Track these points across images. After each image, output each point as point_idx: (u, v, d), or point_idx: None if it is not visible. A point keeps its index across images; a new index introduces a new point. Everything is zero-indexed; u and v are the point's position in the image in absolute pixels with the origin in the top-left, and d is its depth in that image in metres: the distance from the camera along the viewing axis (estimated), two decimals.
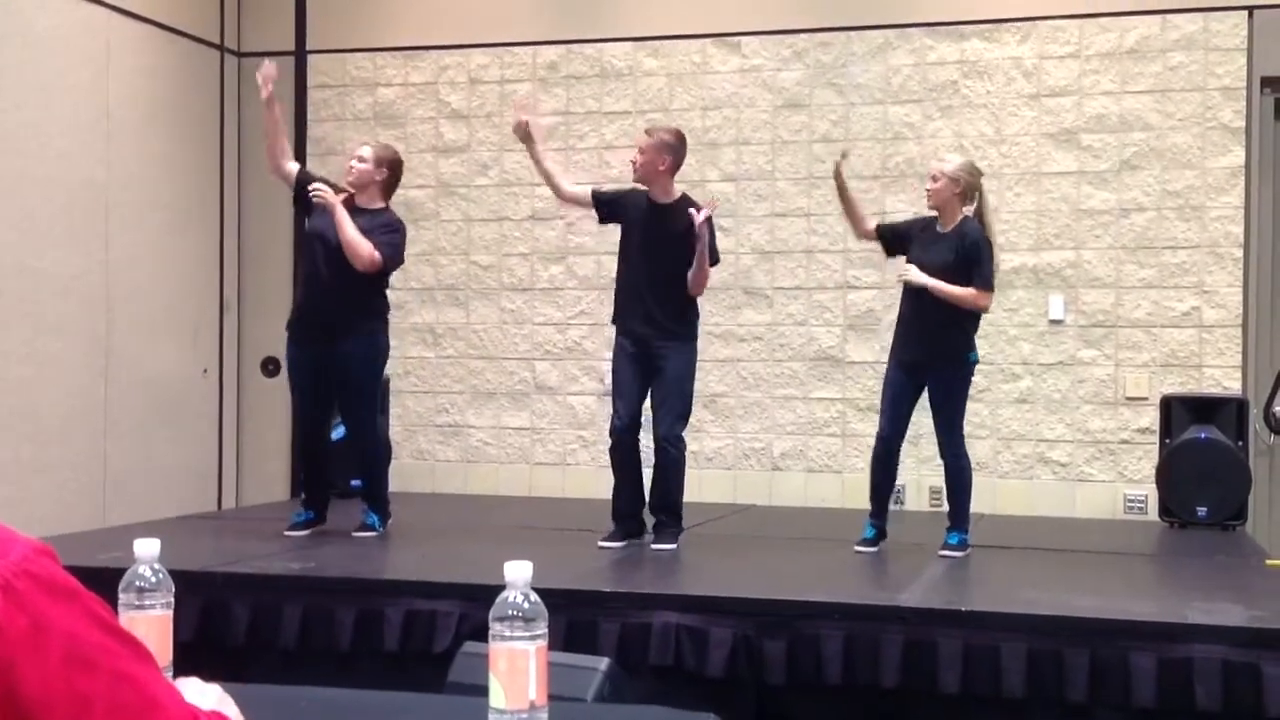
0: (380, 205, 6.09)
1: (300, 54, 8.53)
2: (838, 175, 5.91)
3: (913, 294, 5.70)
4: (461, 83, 8.37)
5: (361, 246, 5.83)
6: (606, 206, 5.98)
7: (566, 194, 6.08)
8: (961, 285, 5.61)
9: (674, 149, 5.83)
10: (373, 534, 6.05)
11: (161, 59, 7.95)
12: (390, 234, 6.02)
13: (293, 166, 6.19)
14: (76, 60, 7.25)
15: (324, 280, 5.93)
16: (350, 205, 5.97)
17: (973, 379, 5.92)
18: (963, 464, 5.75)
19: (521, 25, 8.26)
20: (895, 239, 5.93)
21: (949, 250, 5.65)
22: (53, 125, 7.07)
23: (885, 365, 5.92)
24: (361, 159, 6.04)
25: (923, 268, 5.65)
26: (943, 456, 5.75)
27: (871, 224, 6.01)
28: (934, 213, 5.79)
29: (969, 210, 5.73)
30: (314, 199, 5.86)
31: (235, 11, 8.55)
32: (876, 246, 7.08)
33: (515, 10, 8.31)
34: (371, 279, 5.95)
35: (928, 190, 5.76)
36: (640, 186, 5.89)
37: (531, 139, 5.95)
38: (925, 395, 5.76)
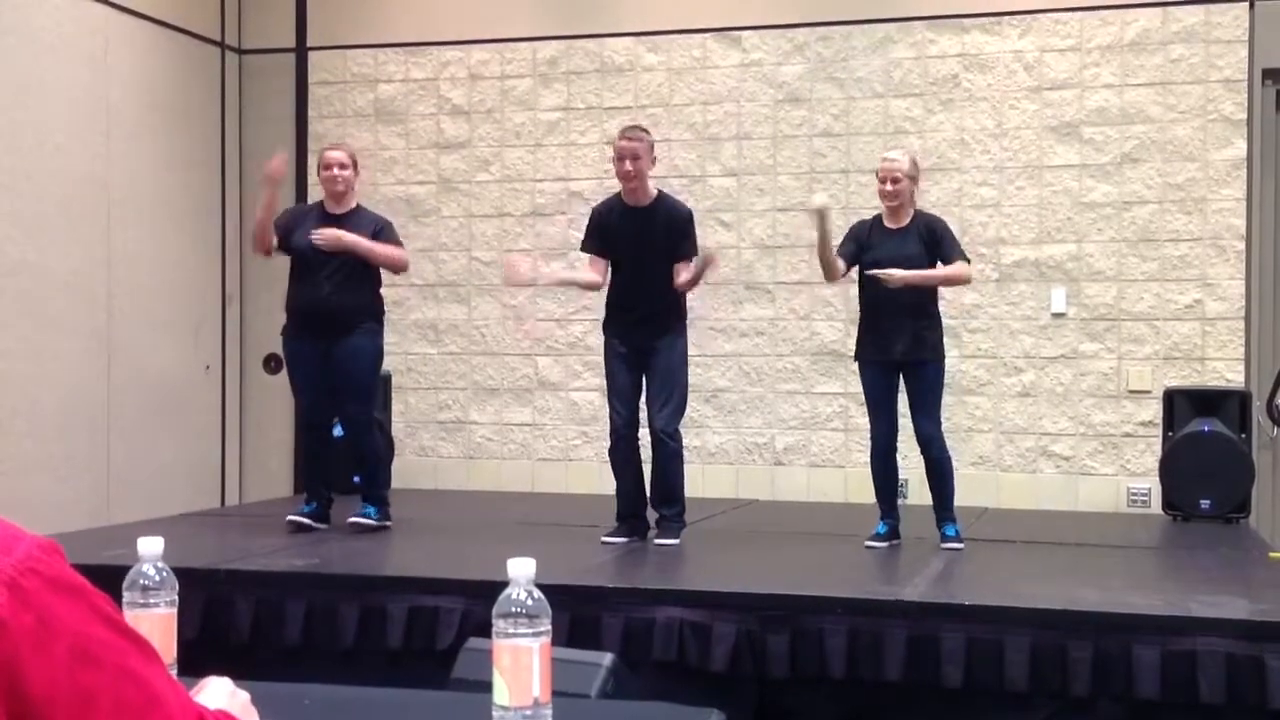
0: (354, 204, 6.22)
1: (301, 50, 8.54)
2: (821, 227, 5.69)
3: (882, 294, 5.67)
4: (462, 78, 8.36)
5: (398, 258, 6.14)
6: (602, 248, 5.87)
7: (598, 283, 5.92)
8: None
9: (653, 145, 5.86)
10: (370, 522, 6.07)
11: (161, 56, 7.95)
12: (394, 233, 6.25)
13: (274, 241, 6.19)
14: (76, 57, 7.25)
15: (322, 283, 6.01)
16: (323, 214, 6.12)
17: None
18: (947, 454, 5.81)
19: (522, 21, 8.25)
20: (855, 258, 5.80)
21: (913, 243, 5.68)
22: (52, 122, 7.07)
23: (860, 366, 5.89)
24: (343, 165, 6.10)
25: (888, 265, 5.64)
26: (927, 451, 5.76)
27: (842, 267, 5.77)
28: (877, 212, 5.83)
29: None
30: (320, 246, 5.93)
31: (235, 8, 8.54)
32: None
33: (515, 6, 8.30)
34: (371, 279, 6.13)
35: (890, 192, 5.70)
36: (599, 198, 5.90)
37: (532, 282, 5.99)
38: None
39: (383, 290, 6.32)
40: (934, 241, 5.70)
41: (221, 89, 8.45)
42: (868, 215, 7.77)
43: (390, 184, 8.37)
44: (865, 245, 5.79)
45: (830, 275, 5.84)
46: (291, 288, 6.16)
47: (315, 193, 8.19)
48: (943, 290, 6.00)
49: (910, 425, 5.84)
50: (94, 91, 7.38)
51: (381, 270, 6.20)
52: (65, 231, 7.15)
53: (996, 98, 7.60)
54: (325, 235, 5.93)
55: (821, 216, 5.67)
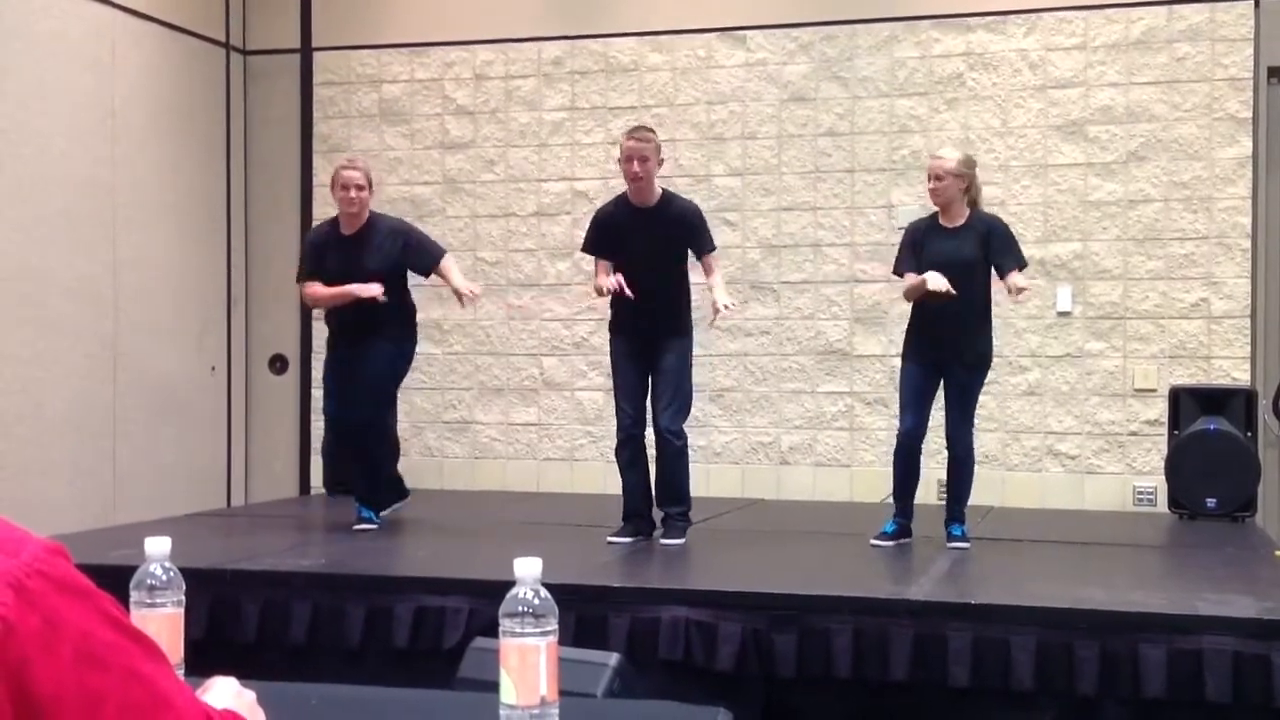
0: (366, 219, 6.17)
1: (306, 51, 8.55)
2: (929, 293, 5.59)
3: (942, 296, 5.62)
4: (467, 79, 8.37)
5: (449, 268, 6.16)
6: (608, 250, 5.84)
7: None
8: (986, 277, 5.62)
9: (660, 145, 5.84)
10: (374, 526, 6.11)
11: (167, 58, 7.96)
12: (419, 237, 6.25)
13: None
14: (81, 60, 7.25)
15: (356, 311, 6.03)
16: (339, 238, 6.14)
17: None
18: (973, 456, 5.77)
19: (526, 21, 8.26)
20: (916, 261, 5.70)
21: (971, 245, 5.60)
22: (58, 125, 7.08)
23: (898, 360, 5.88)
24: (360, 187, 6.06)
25: (945, 266, 5.53)
26: (953, 449, 5.73)
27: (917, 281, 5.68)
28: (932, 212, 5.78)
29: (966, 202, 5.72)
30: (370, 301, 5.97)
31: (240, 9, 8.55)
32: (883, 239, 7.06)
33: (520, 6, 8.31)
34: (399, 286, 6.15)
35: (932, 189, 5.68)
36: (605, 198, 5.88)
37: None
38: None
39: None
40: (993, 246, 5.60)
41: (226, 90, 8.45)
42: (873, 215, 7.80)
43: (395, 184, 8.38)
44: (921, 245, 5.69)
45: (916, 300, 5.71)
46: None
47: (319, 195, 8.22)
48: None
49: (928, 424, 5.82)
50: (99, 94, 7.39)
51: (408, 274, 6.22)
52: (70, 235, 7.16)
53: (1001, 96, 7.59)
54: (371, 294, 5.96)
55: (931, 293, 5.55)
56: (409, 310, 6.26)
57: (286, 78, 8.58)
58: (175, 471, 7.89)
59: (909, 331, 5.81)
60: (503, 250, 8.30)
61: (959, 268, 5.55)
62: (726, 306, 5.65)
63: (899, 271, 5.80)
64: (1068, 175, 7.50)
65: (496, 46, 8.31)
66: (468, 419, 8.37)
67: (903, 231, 5.94)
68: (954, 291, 5.46)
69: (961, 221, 5.67)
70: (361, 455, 6.28)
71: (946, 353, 5.64)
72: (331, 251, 6.13)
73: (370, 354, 6.11)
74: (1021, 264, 5.71)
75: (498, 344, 8.31)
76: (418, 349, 8.32)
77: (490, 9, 8.32)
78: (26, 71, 6.87)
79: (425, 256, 6.17)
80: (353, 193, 6.03)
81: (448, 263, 6.21)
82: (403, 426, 8.18)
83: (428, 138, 8.43)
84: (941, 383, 5.74)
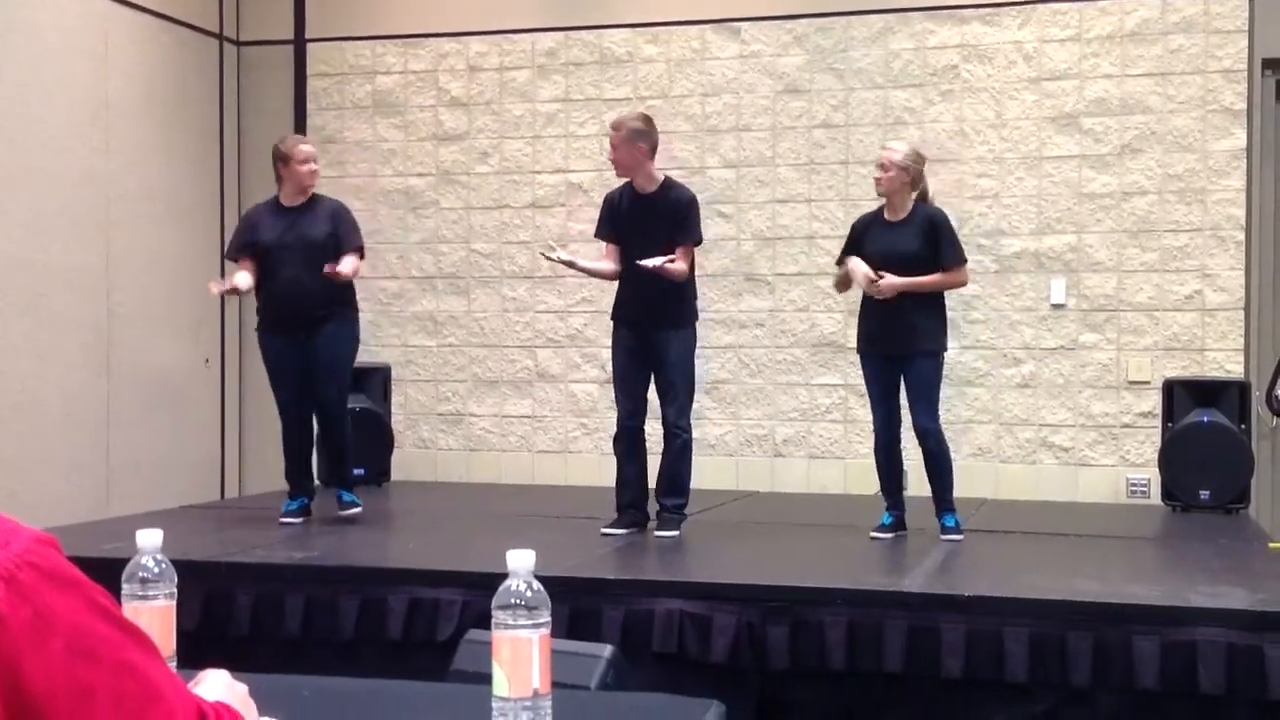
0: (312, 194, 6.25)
1: (299, 42, 8.53)
2: (845, 286, 5.91)
3: (873, 288, 5.67)
4: (461, 70, 8.35)
5: (358, 269, 6.15)
6: (612, 233, 5.90)
7: (616, 271, 5.91)
8: (930, 271, 5.64)
9: (644, 134, 5.82)
10: (359, 509, 6.20)
11: (161, 49, 7.94)
12: (353, 222, 6.25)
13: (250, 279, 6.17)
14: (76, 52, 7.24)
15: (293, 275, 6.03)
16: (281, 209, 6.17)
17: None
18: (945, 446, 5.79)
19: (520, 12, 8.24)
20: (855, 254, 5.81)
21: (912, 238, 5.66)
22: (53, 118, 7.06)
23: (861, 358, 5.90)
24: (317, 159, 6.24)
25: (885, 259, 5.63)
26: (924, 443, 5.73)
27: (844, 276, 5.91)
28: (878, 205, 5.82)
29: (913, 197, 5.75)
30: (349, 271, 6.01)
31: (234, 1, 8.53)
32: None
33: None
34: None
35: (877, 179, 5.75)
36: (619, 180, 5.92)
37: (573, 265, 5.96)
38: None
39: (379, 281, 6.34)
40: (935, 240, 5.67)
41: (220, 81, 8.44)
42: (868, 207, 7.78)
43: (389, 176, 8.37)
44: (863, 238, 5.78)
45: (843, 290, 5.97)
46: (263, 284, 6.14)
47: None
48: None
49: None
50: (94, 87, 7.37)
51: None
52: (64, 227, 7.14)
53: (996, 88, 7.59)
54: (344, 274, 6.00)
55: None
56: (351, 290, 6.21)
57: (280, 69, 8.57)
58: (170, 463, 7.88)
59: (859, 327, 5.85)
60: (497, 242, 8.29)
61: (898, 261, 5.62)
62: (654, 266, 5.59)
63: (838, 263, 5.94)
64: (1062, 167, 7.50)
65: (490, 38, 8.29)
66: (462, 411, 8.36)
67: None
68: (876, 280, 5.56)
69: (904, 215, 5.71)
70: (334, 440, 6.28)
71: (897, 346, 5.68)
72: (270, 222, 6.12)
73: (323, 341, 6.07)
74: (960, 259, 5.74)
75: (491, 336, 8.31)
76: (411, 341, 8.37)
77: (484, 1, 8.31)
78: (21, 63, 6.85)
79: (350, 238, 6.15)
80: (313, 165, 6.17)
81: (356, 258, 6.15)
82: (397, 419, 8.18)
83: (421, 129, 8.42)
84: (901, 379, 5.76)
